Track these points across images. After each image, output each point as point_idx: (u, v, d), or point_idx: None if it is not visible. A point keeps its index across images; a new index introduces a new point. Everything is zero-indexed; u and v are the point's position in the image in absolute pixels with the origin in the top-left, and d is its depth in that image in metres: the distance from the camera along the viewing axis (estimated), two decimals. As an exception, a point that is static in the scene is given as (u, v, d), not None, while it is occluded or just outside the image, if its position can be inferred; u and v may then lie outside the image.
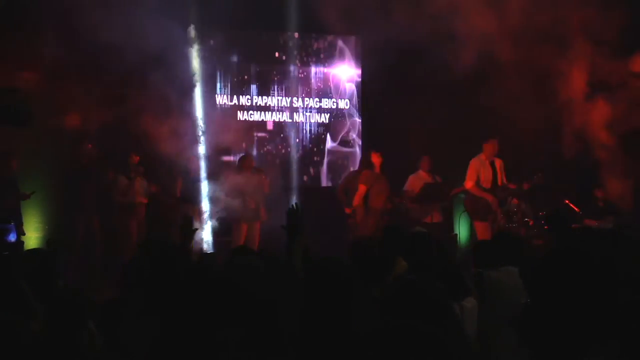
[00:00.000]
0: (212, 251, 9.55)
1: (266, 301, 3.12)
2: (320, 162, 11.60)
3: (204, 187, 9.93)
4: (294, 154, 11.42)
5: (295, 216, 3.91)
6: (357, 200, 9.61)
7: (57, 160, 9.83)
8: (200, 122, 10.51)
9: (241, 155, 10.43)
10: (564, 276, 1.92)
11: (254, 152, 11.21)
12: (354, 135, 11.77)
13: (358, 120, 11.80)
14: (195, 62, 10.80)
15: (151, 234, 9.52)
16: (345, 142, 11.75)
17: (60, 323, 3.27)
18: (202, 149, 10.50)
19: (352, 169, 11.10)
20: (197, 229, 4.65)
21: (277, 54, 11.39)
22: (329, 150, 11.65)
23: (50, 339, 3.18)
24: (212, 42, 11.06)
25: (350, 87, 11.77)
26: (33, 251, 4.46)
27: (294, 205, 3.97)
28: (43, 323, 3.37)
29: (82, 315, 3.32)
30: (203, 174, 10.20)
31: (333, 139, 11.67)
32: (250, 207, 9.81)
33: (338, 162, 11.71)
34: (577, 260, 1.96)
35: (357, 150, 11.75)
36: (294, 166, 11.37)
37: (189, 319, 2.82)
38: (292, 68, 11.46)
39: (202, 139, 10.37)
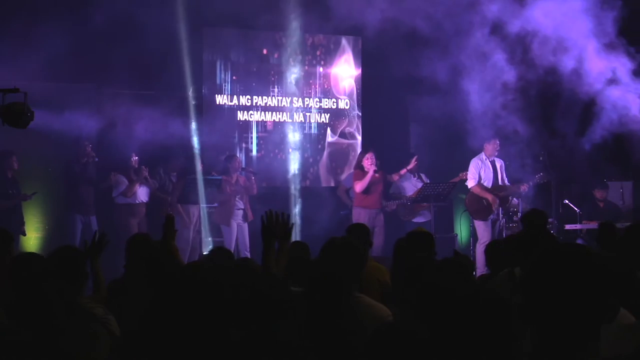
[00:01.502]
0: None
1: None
2: (320, 160, 11.59)
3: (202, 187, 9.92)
4: (294, 154, 11.41)
5: (270, 221, 3.93)
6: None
7: (57, 160, 9.84)
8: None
9: (227, 155, 10.38)
10: (556, 276, 1.92)
11: (254, 152, 11.21)
12: (351, 129, 11.75)
13: (358, 113, 11.79)
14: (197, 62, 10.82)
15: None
16: (345, 135, 11.74)
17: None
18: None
19: (352, 165, 11.12)
20: (177, 230, 4.69)
21: (276, 54, 11.38)
22: (329, 143, 11.65)
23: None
24: (212, 41, 11.05)
25: (350, 84, 11.76)
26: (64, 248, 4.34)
27: (269, 211, 3.98)
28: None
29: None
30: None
31: (333, 132, 11.67)
32: (240, 208, 9.85)
33: (338, 154, 11.69)
34: (569, 260, 1.96)
35: (358, 142, 11.75)
36: (294, 166, 11.38)
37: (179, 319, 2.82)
38: (292, 68, 11.44)
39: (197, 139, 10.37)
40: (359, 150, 11.52)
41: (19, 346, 3.08)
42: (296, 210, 10.83)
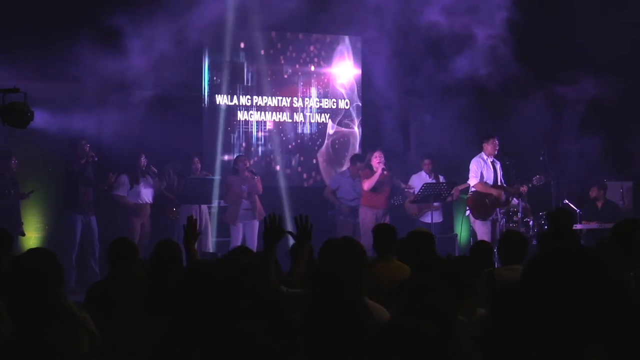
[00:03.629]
0: (212, 251, 9.56)
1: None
2: (320, 153, 11.59)
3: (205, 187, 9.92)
4: (294, 154, 11.41)
5: (272, 224, 3.96)
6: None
7: (57, 160, 9.83)
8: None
9: (236, 156, 10.46)
10: (559, 276, 1.92)
11: (254, 153, 11.21)
12: (347, 120, 11.75)
13: (358, 104, 11.78)
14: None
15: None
16: (342, 124, 11.74)
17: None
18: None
19: (353, 155, 11.12)
20: (200, 233, 4.71)
21: (276, 54, 11.37)
22: (329, 134, 11.66)
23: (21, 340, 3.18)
24: (212, 41, 11.04)
25: (350, 83, 11.75)
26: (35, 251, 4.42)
27: (272, 214, 4.00)
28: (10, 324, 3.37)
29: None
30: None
31: (332, 122, 11.69)
32: (247, 208, 9.86)
33: (338, 146, 11.68)
34: (572, 260, 1.96)
35: (357, 131, 11.74)
36: (294, 166, 11.37)
37: (193, 318, 2.83)
38: (291, 68, 11.44)
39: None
40: (357, 141, 11.55)
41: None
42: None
